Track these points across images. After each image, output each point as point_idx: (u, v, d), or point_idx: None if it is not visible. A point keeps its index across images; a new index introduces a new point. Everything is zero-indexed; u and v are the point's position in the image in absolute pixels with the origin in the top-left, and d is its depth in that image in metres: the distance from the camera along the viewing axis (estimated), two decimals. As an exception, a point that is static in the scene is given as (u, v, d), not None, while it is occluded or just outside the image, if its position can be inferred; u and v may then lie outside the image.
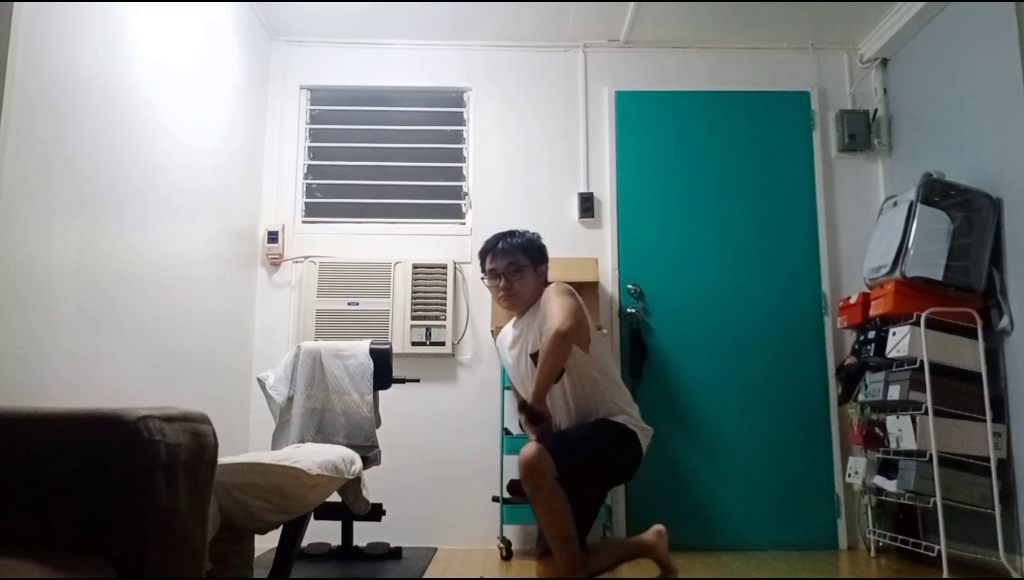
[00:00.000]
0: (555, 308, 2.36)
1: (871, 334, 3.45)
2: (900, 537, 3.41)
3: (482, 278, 2.73)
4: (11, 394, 1.99)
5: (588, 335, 2.47)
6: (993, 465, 3.02)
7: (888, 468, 3.35)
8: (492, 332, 3.81)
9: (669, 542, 2.69)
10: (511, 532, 3.58)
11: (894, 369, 3.30)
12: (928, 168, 3.42)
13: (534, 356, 2.48)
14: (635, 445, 2.45)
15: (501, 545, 3.51)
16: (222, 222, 3.49)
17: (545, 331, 2.35)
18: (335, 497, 2.52)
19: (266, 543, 2.57)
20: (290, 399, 3.22)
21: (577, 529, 2.32)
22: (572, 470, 2.28)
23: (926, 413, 3.07)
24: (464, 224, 4.08)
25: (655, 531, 2.67)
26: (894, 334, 3.26)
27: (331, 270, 3.93)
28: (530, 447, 2.29)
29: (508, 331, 2.74)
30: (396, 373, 3.35)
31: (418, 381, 3.54)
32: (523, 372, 2.62)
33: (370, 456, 3.09)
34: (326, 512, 3.04)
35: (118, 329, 2.55)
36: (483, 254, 2.72)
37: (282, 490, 2.04)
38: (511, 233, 2.70)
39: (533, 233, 2.73)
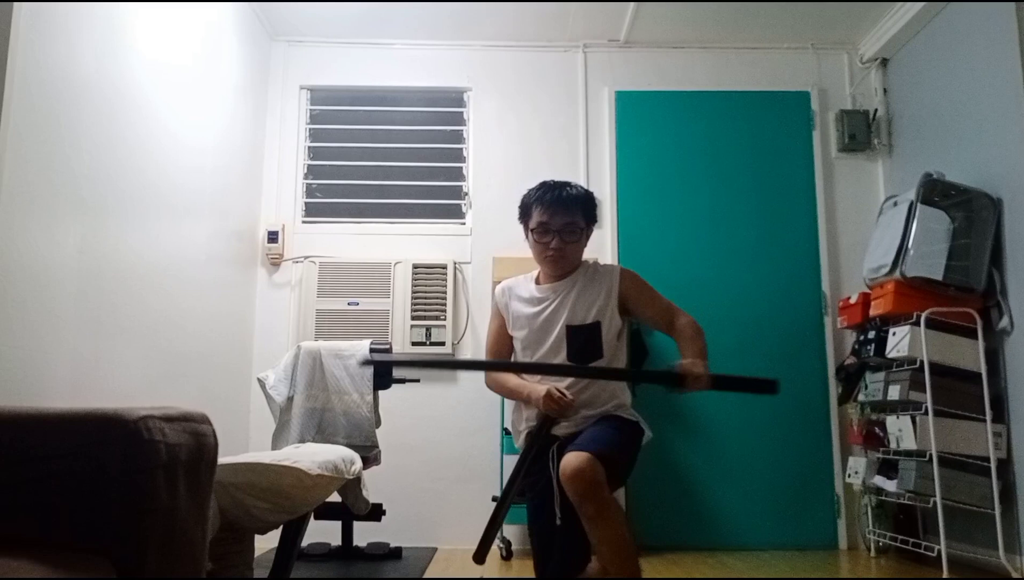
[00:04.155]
0: (667, 303, 2.28)
1: (871, 334, 3.45)
2: (900, 537, 3.41)
3: (529, 231, 2.32)
4: (11, 394, 1.99)
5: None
6: (993, 465, 3.02)
7: (888, 468, 3.35)
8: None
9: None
10: (511, 532, 3.58)
11: (894, 369, 3.30)
12: (928, 168, 3.42)
13: (576, 328, 2.23)
14: (641, 443, 2.28)
15: (501, 545, 3.51)
16: (222, 222, 3.49)
17: (679, 325, 2.20)
18: (335, 497, 2.51)
19: (266, 543, 2.57)
20: (290, 399, 3.23)
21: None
22: (611, 475, 2.01)
23: (926, 413, 3.07)
24: (464, 224, 4.08)
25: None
26: (894, 334, 3.26)
27: (331, 270, 3.92)
28: (579, 458, 1.95)
29: (524, 285, 2.40)
30: (396, 373, 3.35)
31: (418, 381, 3.54)
32: (547, 338, 2.28)
33: (370, 456, 3.09)
34: (326, 512, 3.04)
35: (118, 329, 2.55)
36: (532, 204, 2.30)
37: (282, 490, 2.04)
38: (567, 184, 2.32)
39: (586, 188, 2.39)
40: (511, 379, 2.32)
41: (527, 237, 2.34)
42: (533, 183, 2.49)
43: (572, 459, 1.96)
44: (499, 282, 2.51)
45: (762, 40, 4.17)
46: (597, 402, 2.22)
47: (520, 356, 2.37)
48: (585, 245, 2.35)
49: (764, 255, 4.01)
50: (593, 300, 2.26)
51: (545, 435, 2.17)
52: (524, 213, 2.35)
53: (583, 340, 2.23)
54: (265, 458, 2.11)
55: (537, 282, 2.38)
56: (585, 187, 2.38)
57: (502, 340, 2.41)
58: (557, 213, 2.25)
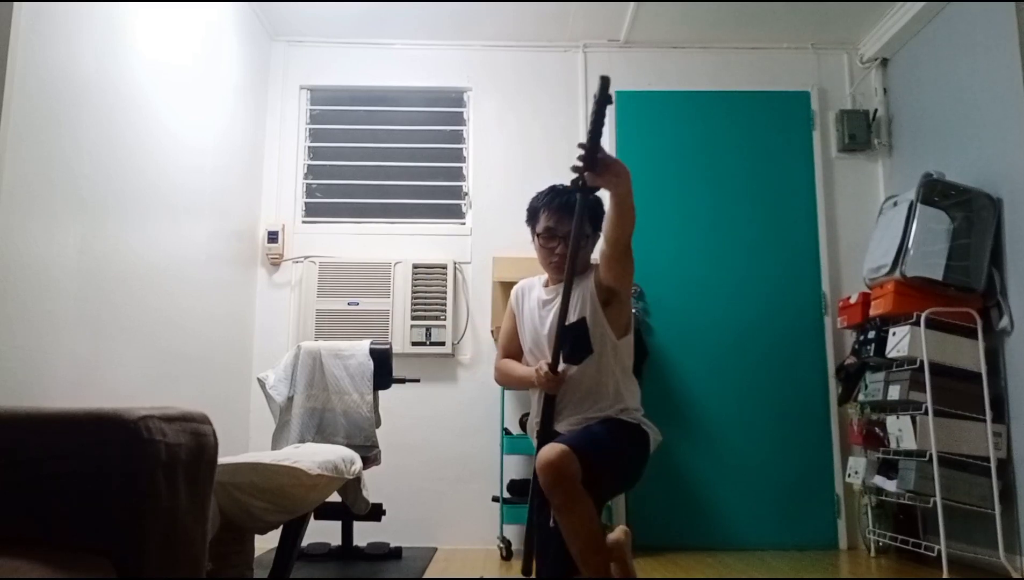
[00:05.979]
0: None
1: (871, 334, 3.45)
2: (900, 537, 3.41)
3: (536, 236, 2.33)
4: (12, 394, 1.99)
5: (629, 319, 2.31)
6: (993, 465, 3.02)
7: (888, 468, 3.35)
8: (492, 332, 3.81)
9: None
10: (511, 532, 3.58)
11: (894, 369, 3.30)
12: (928, 168, 3.42)
13: (566, 326, 2.20)
14: (647, 448, 2.25)
15: (501, 545, 3.51)
16: (222, 222, 3.49)
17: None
18: (335, 497, 2.52)
19: (266, 543, 2.57)
20: (290, 399, 3.23)
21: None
22: (594, 474, 1.99)
23: (926, 413, 3.06)
24: (464, 224, 4.08)
25: (621, 530, 2.39)
26: (894, 334, 3.26)
27: (331, 270, 3.92)
28: (553, 449, 1.98)
29: (537, 288, 2.40)
30: (396, 373, 3.35)
31: (418, 381, 3.54)
32: (551, 338, 2.24)
33: (370, 456, 3.09)
34: (326, 512, 3.04)
35: (118, 329, 2.55)
36: (540, 208, 2.33)
37: (282, 490, 2.04)
38: (573, 190, 2.29)
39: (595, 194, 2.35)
40: (517, 368, 2.36)
41: (534, 241, 2.36)
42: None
43: (546, 451, 2.00)
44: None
45: (762, 40, 4.17)
46: (598, 403, 2.21)
47: (527, 357, 2.38)
48: (591, 251, 2.36)
49: (764, 255, 4.01)
50: (578, 298, 2.27)
51: (549, 422, 2.18)
52: (532, 217, 2.36)
53: (573, 337, 2.22)
54: (265, 458, 2.11)
55: (545, 285, 2.40)
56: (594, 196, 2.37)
57: (513, 340, 2.43)
58: (563, 219, 2.26)
